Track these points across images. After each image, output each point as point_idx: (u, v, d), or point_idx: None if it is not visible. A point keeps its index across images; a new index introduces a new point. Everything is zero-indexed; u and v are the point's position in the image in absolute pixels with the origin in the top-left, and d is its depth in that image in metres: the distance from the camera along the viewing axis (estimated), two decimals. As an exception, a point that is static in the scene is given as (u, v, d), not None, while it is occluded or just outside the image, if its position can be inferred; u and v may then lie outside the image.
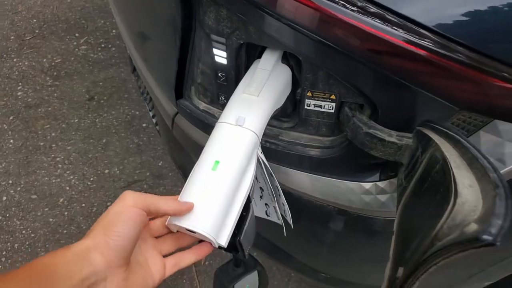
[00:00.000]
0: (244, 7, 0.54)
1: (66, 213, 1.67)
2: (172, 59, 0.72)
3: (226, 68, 0.67)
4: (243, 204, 0.56)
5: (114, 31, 2.35)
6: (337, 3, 0.49)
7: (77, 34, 2.34)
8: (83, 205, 1.70)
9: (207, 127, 0.75)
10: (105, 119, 1.97)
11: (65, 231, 1.62)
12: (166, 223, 0.54)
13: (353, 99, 0.63)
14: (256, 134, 0.58)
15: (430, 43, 0.49)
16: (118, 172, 1.79)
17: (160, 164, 1.80)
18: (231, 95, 0.71)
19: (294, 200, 0.73)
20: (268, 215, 0.69)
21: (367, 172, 0.68)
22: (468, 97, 0.55)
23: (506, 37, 0.50)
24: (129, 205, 0.50)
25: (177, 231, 0.56)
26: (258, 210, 0.70)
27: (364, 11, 0.49)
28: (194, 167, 0.56)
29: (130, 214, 0.49)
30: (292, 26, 0.53)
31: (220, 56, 0.66)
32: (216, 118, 0.75)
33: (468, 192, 0.37)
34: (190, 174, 0.56)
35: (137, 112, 1.97)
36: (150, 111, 1.25)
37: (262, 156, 0.60)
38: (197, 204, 0.52)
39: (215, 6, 0.61)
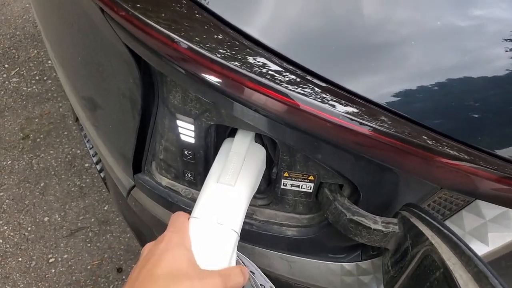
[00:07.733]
0: (213, 95, 0.49)
1: (-1, 271, 1.49)
2: (129, 133, 0.64)
3: (194, 147, 0.61)
4: None
5: (49, 62, 2.16)
6: (313, 98, 0.45)
7: (6, 65, 2.13)
8: (20, 259, 1.53)
9: (171, 204, 0.68)
10: (43, 159, 1.80)
11: (-1, 293, 1.44)
12: None
13: (333, 180, 0.59)
14: (237, 233, 0.51)
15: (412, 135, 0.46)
16: (59, 219, 1.63)
17: (105, 208, 1.66)
18: (198, 173, 0.65)
19: (272, 281, 0.68)
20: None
21: (348, 251, 0.64)
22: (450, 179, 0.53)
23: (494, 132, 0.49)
24: None
25: None
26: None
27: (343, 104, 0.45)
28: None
29: None
30: (267, 116, 0.48)
31: (187, 135, 0.59)
32: (181, 196, 0.68)
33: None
34: None
35: (79, 151, 1.82)
36: (96, 164, 1.13)
37: (241, 255, 0.54)
38: None
39: (182, 87, 0.54)
